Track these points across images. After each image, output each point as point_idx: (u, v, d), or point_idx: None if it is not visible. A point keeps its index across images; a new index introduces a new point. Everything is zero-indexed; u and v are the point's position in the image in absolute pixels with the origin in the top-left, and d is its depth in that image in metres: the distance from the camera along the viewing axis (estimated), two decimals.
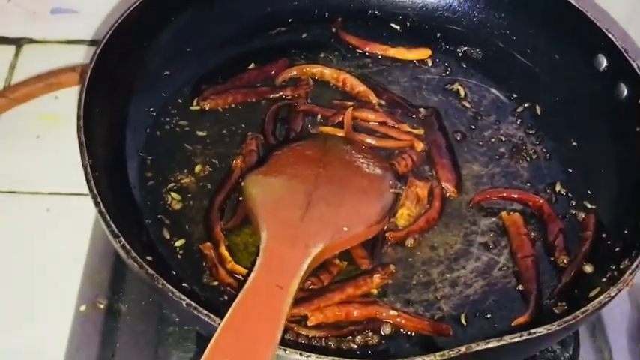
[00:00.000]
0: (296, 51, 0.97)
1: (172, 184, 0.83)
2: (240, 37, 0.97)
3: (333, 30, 1.00)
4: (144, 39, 0.90)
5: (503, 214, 0.83)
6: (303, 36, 0.99)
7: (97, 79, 0.79)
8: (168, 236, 0.78)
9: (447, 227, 0.83)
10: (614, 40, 0.87)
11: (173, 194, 0.82)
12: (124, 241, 0.66)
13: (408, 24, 1.01)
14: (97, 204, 0.69)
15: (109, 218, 0.68)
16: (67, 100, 1.02)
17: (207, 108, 0.89)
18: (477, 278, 0.79)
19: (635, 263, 0.70)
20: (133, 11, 0.87)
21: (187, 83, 0.92)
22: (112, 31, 0.84)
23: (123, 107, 0.85)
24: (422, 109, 0.92)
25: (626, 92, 0.86)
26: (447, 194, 0.84)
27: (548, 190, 0.86)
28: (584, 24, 0.90)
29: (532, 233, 0.82)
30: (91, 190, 0.70)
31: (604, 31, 0.88)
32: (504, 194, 0.85)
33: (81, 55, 1.10)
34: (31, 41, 1.13)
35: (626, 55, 0.86)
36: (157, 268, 0.66)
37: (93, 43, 1.12)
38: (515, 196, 0.84)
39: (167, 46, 0.92)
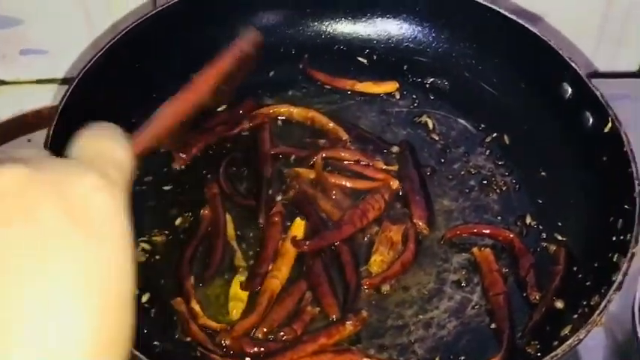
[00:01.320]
0: (263, 90, 0.97)
1: (141, 238, 0.82)
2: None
3: (300, 67, 0.99)
4: (109, 85, 0.89)
5: (475, 250, 0.83)
6: (270, 74, 0.99)
7: (61, 130, 0.79)
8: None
9: (419, 266, 0.83)
10: (577, 69, 0.88)
11: (143, 244, 0.82)
12: None
13: (375, 57, 1.01)
14: None
15: None
16: (41, 141, 1.02)
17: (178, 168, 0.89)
18: (451, 318, 0.79)
19: (604, 302, 0.70)
20: (99, 58, 0.87)
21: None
22: (78, 79, 0.85)
23: None
24: (395, 146, 0.92)
25: (591, 121, 0.86)
26: (420, 232, 0.84)
27: (518, 223, 0.86)
28: (548, 53, 0.90)
29: (504, 269, 0.82)
30: None
31: (567, 59, 0.89)
32: (475, 230, 0.85)
33: (52, 95, 1.10)
34: (3, 83, 1.13)
35: (589, 83, 0.86)
36: None
37: (64, 81, 1.11)
38: (486, 232, 0.85)
39: (132, 92, 0.91)
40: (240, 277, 0.79)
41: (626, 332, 0.83)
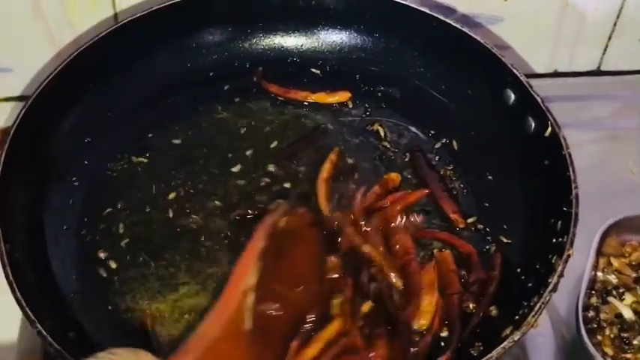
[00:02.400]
0: (218, 104, 0.99)
1: (101, 255, 0.85)
2: (162, 95, 0.99)
3: (255, 79, 1.01)
4: (62, 106, 0.92)
5: (435, 251, 0.85)
6: (225, 88, 1.01)
7: (15, 155, 0.82)
8: None
9: None
10: (519, 75, 0.90)
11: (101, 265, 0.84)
12: (39, 327, 0.68)
13: (328, 68, 1.03)
14: (12, 290, 0.70)
15: (24, 304, 0.69)
16: None
17: None
18: None
19: (539, 304, 0.72)
20: (52, 79, 0.89)
21: (111, 150, 0.93)
22: (30, 100, 0.86)
23: (44, 181, 0.86)
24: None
25: (533, 126, 0.89)
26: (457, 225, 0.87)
27: (468, 226, 0.88)
28: (490, 59, 0.92)
29: (462, 271, 0.84)
30: (6, 276, 0.71)
31: (509, 66, 0.91)
32: (438, 235, 0.87)
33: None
34: None
35: (530, 89, 0.88)
36: (80, 347, 0.68)
37: (22, 99, 1.12)
38: (450, 240, 0.87)
39: (87, 111, 0.93)
40: None
41: (572, 332, 0.85)
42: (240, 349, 0.67)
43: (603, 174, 1.03)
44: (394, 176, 0.91)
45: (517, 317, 0.75)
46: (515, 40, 1.18)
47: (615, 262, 0.89)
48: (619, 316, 0.84)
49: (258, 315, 0.68)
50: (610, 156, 1.07)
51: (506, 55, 1.16)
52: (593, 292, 0.87)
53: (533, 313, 0.71)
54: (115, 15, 1.04)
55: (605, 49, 1.23)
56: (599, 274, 0.88)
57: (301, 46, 1.04)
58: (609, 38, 1.21)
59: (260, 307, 0.68)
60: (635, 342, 0.82)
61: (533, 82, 1.19)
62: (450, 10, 1.09)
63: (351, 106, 1.00)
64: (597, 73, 1.25)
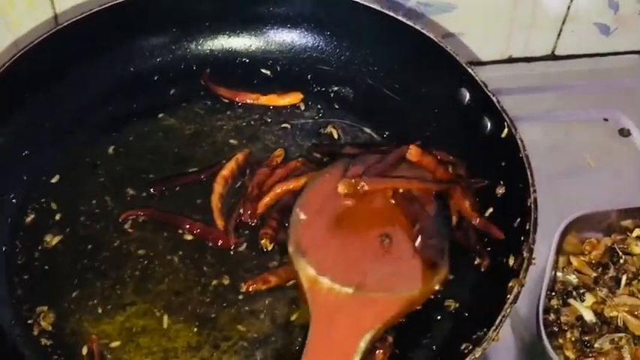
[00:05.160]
0: (164, 110, 0.95)
1: None
2: (104, 102, 0.94)
3: (202, 82, 0.97)
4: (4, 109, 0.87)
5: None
6: (171, 92, 0.97)
7: None
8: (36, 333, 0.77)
9: None
10: (473, 75, 0.88)
11: None
12: None
13: (279, 68, 1.00)
14: None
15: None
16: None
17: None
18: None
19: (499, 319, 0.70)
20: None
21: (50, 162, 0.89)
22: None
23: None
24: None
25: (489, 126, 0.87)
26: None
27: None
28: (445, 58, 0.90)
29: None
30: None
31: (464, 65, 0.89)
32: None
33: None
34: None
35: (485, 89, 0.86)
36: None
37: None
38: None
39: (24, 123, 0.89)
40: None
41: (532, 335, 0.84)
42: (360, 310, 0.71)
43: (561, 167, 1.02)
44: (278, 152, 0.90)
45: (476, 335, 0.73)
46: (470, 27, 1.16)
47: (575, 261, 0.88)
48: (580, 318, 0.83)
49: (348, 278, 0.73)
50: (567, 148, 1.05)
51: (461, 42, 1.16)
52: (554, 293, 0.86)
53: (494, 327, 0.70)
54: (55, 16, 1.00)
55: (559, 34, 1.22)
56: (559, 273, 0.88)
57: (250, 46, 1.00)
58: (563, 22, 1.20)
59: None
60: (596, 345, 0.81)
61: (489, 68, 1.20)
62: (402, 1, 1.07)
63: (303, 108, 0.97)
64: (552, 57, 1.24)
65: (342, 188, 0.79)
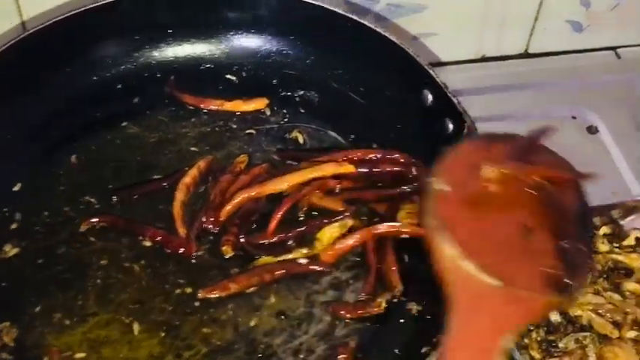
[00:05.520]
0: (127, 118, 0.95)
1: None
2: (67, 112, 0.94)
3: (167, 90, 0.97)
4: None
5: None
6: (135, 100, 0.97)
7: None
8: None
9: (289, 290, 0.82)
10: (435, 77, 0.87)
11: None
12: None
13: (244, 73, 0.99)
14: None
15: None
16: None
17: None
18: (320, 342, 0.79)
19: None
20: None
21: (12, 173, 0.88)
22: None
23: None
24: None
25: (451, 127, 0.86)
26: None
27: None
28: (407, 60, 0.90)
29: None
30: None
31: (425, 67, 0.88)
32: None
33: None
34: None
35: (446, 91, 0.86)
36: None
37: None
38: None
39: None
40: None
41: None
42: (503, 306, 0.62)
43: None
44: (241, 158, 0.90)
45: (436, 338, 0.73)
46: (441, 27, 1.16)
47: None
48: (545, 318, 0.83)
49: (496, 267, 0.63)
50: None
51: (433, 43, 1.16)
52: None
53: None
54: (23, 23, 1.00)
55: (531, 32, 1.22)
56: None
57: (214, 52, 1.00)
58: (535, 20, 1.20)
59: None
60: (561, 345, 0.81)
61: (462, 67, 1.20)
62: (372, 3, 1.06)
63: (269, 113, 0.97)
64: (526, 55, 1.24)
65: (487, 173, 0.68)
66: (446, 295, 0.63)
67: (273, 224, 0.83)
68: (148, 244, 0.84)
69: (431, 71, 0.88)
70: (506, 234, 0.67)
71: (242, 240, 0.82)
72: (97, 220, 0.85)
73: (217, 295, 0.79)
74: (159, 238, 0.83)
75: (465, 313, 0.63)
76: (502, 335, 0.62)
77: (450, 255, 0.64)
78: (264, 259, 0.82)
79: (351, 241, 0.82)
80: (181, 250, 0.83)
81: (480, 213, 0.68)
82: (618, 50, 1.25)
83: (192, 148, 0.93)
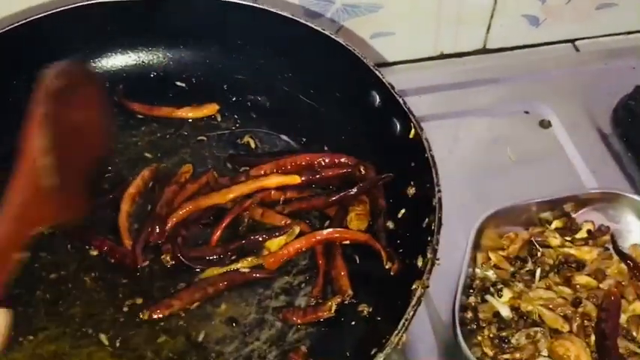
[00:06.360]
0: None
1: None
2: (13, 125, 0.92)
3: (115, 99, 0.96)
4: None
5: None
6: None
7: None
8: None
9: (240, 297, 0.82)
10: (381, 77, 0.87)
11: None
12: None
13: (194, 80, 0.99)
14: None
15: None
16: None
17: None
18: (272, 348, 0.78)
19: (401, 323, 0.70)
20: None
21: None
22: None
23: None
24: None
25: (398, 127, 0.86)
26: None
27: None
28: (354, 62, 0.90)
29: None
30: None
31: (371, 68, 0.88)
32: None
33: None
34: None
35: (393, 91, 0.86)
36: None
37: None
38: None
39: None
40: None
41: (451, 334, 0.84)
42: (50, 206, 0.69)
43: (483, 162, 1.02)
44: (185, 168, 0.90)
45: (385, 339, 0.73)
46: (398, 26, 1.16)
47: (493, 257, 0.88)
48: (497, 314, 0.83)
49: (57, 170, 0.68)
50: (489, 143, 1.05)
51: (391, 42, 1.16)
52: (472, 290, 0.86)
53: (396, 332, 0.69)
54: None
55: (488, 28, 1.22)
56: (478, 270, 0.87)
57: (163, 59, 0.99)
58: (492, 16, 1.20)
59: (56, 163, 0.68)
60: (513, 341, 0.81)
61: (420, 65, 1.20)
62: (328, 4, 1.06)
63: (220, 119, 0.97)
64: (484, 51, 1.25)
65: None
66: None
67: (214, 238, 0.82)
68: (96, 254, 0.83)
69: (377, 72, 0.87)
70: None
71: (179, 255, 0.82)
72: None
73: (161, 315, 0.79)
74: (105, 248, 0.83)
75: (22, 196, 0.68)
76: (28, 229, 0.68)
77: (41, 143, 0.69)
78: (209, 272, 0.81)
79: (292, 248, 0.81)
80: (127, 262, 0.82)
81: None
82: (576, 43, 1.26)
83: (144, 155, 0.92)
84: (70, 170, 0.71)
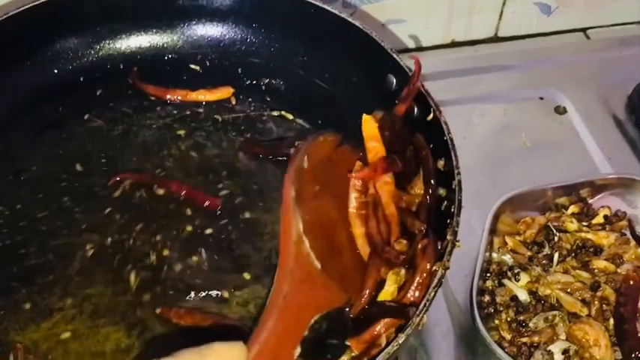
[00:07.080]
0: (90, 111, 0.93)
1: None
2: (29, 107, 0.92)
3: (130, 81, 0.96)
4: None
5: None
6: (98, 92, 0.95)
7: None
8: None
9: (258, 280, 0.81)
10: (399, 60, 0.87)
11: None
12: None
13: (208, 63, 0.98)
14: None
15: None
16: None
17: None
18: None
19: (423, 303, 0.70)
20: None
21: None
22: None
23: None
24: None
25: (416, 111, 0.86)
26: None
27: None
28: (371, 45, 0.89)
29: None
30: None
31: (389, 51, 0.88)
32: None
33: None
34: None
35: (410, 74, 0.85)
36: None
37: None
38: None
39: None
40: None
41: (468, 318, 0.83)
42: (319, 289, 0.68)
43: (499, 147, 1.02)
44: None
45: None
46: (410, 13, 1.16)
47: (510, 241, 0.88)
48: (514, 298, 0.83)
49: (320, 253, 0.69)
50: (504, 128, 1.05)
51: (403, 29, 1.16)
52: (489, 274, 0.85)
53: (417, 311, 0.69)
54: None
55: (500, 15, 1.22)
56: (495, 254, 0.87)
57: (178, 42, 0.99)
58: (504, 4, 1.20)
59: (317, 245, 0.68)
60: (530, 324, 0.81)
61: (432, 53, 1.20)
62: None
63: (234, 102, 0.96)
64: (495, 39, 1.24)
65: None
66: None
67: None
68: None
69: (395, 55, 0.87)
70: (337, 224, 0.73)
71: None
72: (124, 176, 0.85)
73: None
74: (184, 192, 0.84)
75: (298, 284, 0.68)
76: (314, 315, 0.68)
77: (298, 230, 0.70)
78: None
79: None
80: (207, 204, 0.83)
81: (324, 200, 0.74)
82: (588, 31, 1.26)
83: (158, 139, 0.91)
84: (332, 252, 0.70)
